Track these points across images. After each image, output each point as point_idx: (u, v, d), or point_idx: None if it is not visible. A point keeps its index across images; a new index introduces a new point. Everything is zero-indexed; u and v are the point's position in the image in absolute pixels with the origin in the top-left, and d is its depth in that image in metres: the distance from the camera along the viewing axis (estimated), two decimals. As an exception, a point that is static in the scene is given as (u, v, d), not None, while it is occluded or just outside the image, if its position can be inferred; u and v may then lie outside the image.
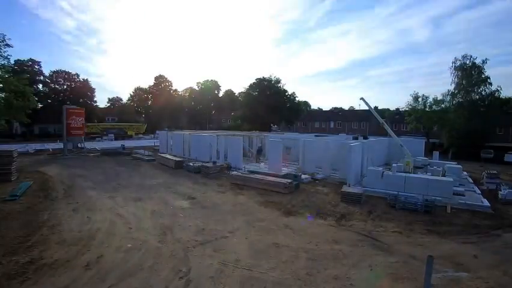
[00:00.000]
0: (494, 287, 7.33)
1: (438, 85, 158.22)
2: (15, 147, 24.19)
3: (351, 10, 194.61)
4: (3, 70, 28.00)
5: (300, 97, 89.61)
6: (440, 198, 14.53)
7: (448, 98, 41.59)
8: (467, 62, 39.88)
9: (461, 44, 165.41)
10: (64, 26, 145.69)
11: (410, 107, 42.47)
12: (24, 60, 57.46)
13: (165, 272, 7.65)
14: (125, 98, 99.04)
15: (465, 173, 22.42)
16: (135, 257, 8.48)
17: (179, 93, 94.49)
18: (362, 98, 22.43)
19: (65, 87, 69.40)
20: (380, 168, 18.68)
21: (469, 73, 39.38)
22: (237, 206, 14.07)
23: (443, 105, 40.70)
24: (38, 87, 59.78)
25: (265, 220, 12.11)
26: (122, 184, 18.31)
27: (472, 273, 7.92)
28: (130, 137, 60.56)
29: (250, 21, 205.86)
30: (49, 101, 60.52)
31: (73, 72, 71.58)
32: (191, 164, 24.30)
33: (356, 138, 27.18)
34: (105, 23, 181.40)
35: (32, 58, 59.39)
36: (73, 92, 67.29)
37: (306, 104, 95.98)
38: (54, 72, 69.19)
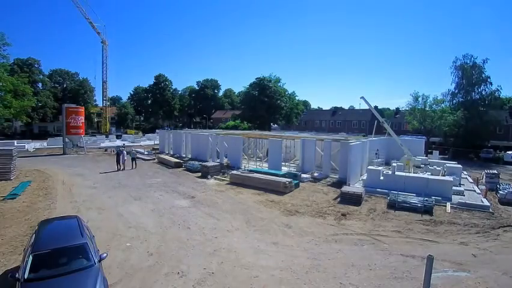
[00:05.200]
0: (494, 286, 7.33)
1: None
2: (15, 146, 24.18)
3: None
4: (2, 69, 27.95)
5: (300, 96, 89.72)
6: (439, 197, 14.55)
7: (448, 97, 41.50)
8: (468, 62, 39.77)
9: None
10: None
11: (410, 106, 42.40)
12: (23, 59, 57.30)
13: (165, 271, 7.65)
14: (124, 97, 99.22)
15: (465, 172, 22.42)
16: (135, 256, 8.47)
17: (179, 92, 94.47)
18: (362, 97, 22.42)
19: (64, 86, 69.38)
20: (380, 168, 18.67)
21: (469, 73, 39.26)
22: (237, 205, 14.07)
23: (443, 105, 40.63)
24: (37, 86, 59.64)
25: (265, 219, 12.11)
26: (122, 183, 18.30)
27: (472, 273, 7.92)
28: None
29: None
30: (48, 99, 60.36)
31: (73, 71, 71.70)
32: (191, 163, 24.31)
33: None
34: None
35: (32, 57, 59.25)
36: (72, 90, 67.24)
37: (306, 103, 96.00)
38: (53, 71, 69.17)
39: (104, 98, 67.24)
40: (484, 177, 19.81)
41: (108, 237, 9.85)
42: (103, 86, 66.88)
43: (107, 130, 65.36)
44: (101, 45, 65.20)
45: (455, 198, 14.94)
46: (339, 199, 15.11)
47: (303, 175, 20.15)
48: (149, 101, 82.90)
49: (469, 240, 10.27)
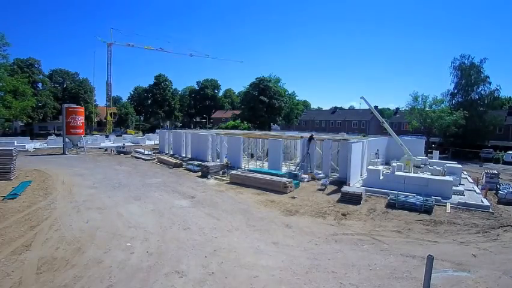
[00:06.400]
0: (494, 286, 7.33)
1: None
2: (15, 146, 24.18)
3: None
4: (2, 69, 27.96)
5: (300, 96, 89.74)
6: (439, 197, 14.55)
7: (448, 97, 41.55)
8: (466, 62, 39.78)
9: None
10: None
11: (409, 106, 42.41)
12: (23, 59, 57.27)
13: (165, 271, 7.65)
14: (125, 97, 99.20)
15: (465, 172, 22.42)
16: (134, 256, 8.47)
17: (179, 92, 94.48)
18: (362, 97, 22.44)
19: (64, 86, 69.35)
20: (380, 168, 18.66)
21: (468, 73, 39.27)
22: (237, 205, 14.06)
23: (443, 105, 40.67)
24: (37, 86, 59.64)
25: (265, 219, 12.11)
26: (122, 183, 18.30)
27: (472, 273, 7.92)
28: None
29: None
30: (49, 99, 60.35)
31: (73, 71, 71.69)
32: (191, 163, 24.32)
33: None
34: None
35: (32, 57, 59.21)
36: (72, 90, 67.21)
37: (306, 103, 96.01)
38: (53, 71, 69.16)
39: (108, 99, 67.40)
40: (484, 177, 19.82)
41: (108, 237, 9.84)
42: (106, 87, 66.93)
43: (111, 131, 65.70)
44: (106, 47, 65.31)
45: (455, 198, 14.94)
46: (339, 199, 15.11)
47: (303, 175, 20.16)
48: (149, 101, 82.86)
49: (469, 240, 10.27)
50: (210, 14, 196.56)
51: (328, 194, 16.66)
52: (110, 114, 68.83)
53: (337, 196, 15.61)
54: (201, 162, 23.61)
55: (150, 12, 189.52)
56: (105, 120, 69.49)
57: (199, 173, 21.56)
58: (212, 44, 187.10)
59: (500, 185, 17.45)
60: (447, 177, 16.81)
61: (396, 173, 17.33)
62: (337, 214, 12.89)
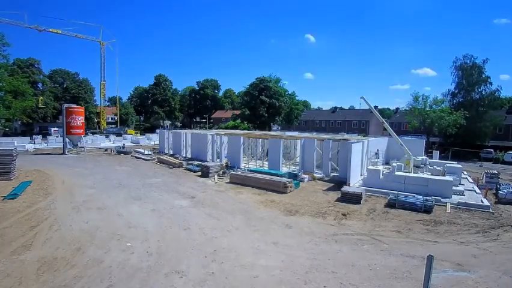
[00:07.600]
0: (494, 286, 7.32)
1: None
2: (15, 146, 24.17)
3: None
4: (3, 69, 27.98)
5: (300, 96, 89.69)
6: (439, 197, 14.54)
7: (448, 97, 41.57)
8: (468, 62, 39.79)
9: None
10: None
11: (410, 106, 42.39)
12: (23, 59, 57.22)
13: (165, 271, 7.65)
14: (125, 97, 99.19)
15: (465, 172, 22.41)
16: (135, 256, 8.47)
17: (179, 92, 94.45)
18: (362, 97, 22.43)
19: (64, 86, 69.31)
20: (380, 168, 18.64)
21: (469, 73, 39.29)
22: (237, 205, 14.06)
23: (443, 105, 40.69)
24: (37, 86, 59.61)
25: (265, 219, 12.11)
26: (122, 183, 18.30)
27: (472, 273, 7.91)
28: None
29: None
30: (49, 99, 60.30)
31: (73, 71, 71.67)
32: (191, 163, 24.32)
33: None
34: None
35: (32, 57, 59.16)
36: (72, 90, 67.18)
37: (306, 103, 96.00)
38: (53, 71, 69.12)
39: (106, 99, 67.84)
40: (484, 177, 19.81)
41: (108, 237, 9.84)
42: (100, 85, 67.50)
43: (105, 127, 66.57)
44: (99, 46, 65.56)
45: (455, 198, 14.94)
46: (339, 199, 15.11)
47: (303, 175, 20.15)
48: (150, 101, 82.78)
49: (469, 240, 10.27)
50: (208, 12, 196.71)
51: (325, 190, 16.66)
52: (97, 113, 69.53)
53: (337, 196, 15.61)
54: (200, 162, 23.61)
55: (147, 11, 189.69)
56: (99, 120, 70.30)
57: (199, 173, 21.56)
58: (213, 42, 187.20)
59: (500, 185, 17.44)
60: (447, 177, 16.80)
61: (396, 173, 17.33)
62: (337, 214, 12.88)
